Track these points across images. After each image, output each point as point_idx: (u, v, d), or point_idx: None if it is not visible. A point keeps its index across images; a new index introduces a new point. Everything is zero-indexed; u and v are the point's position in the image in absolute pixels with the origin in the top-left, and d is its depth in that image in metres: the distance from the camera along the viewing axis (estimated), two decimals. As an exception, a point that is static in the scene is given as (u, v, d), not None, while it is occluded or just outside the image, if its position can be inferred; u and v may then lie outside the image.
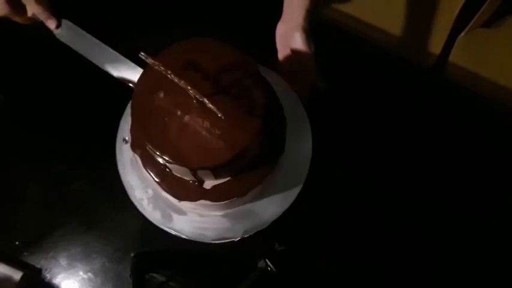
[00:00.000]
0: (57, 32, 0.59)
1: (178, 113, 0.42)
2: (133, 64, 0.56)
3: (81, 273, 0.66)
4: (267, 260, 0.62)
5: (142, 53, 0.36)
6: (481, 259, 0.65)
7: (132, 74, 0.56)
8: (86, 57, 0.57)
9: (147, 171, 0.49)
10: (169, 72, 0.38)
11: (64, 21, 0.59)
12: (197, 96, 0.39)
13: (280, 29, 0.61)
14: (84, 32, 0.59)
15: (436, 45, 0.76)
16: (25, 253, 0.67)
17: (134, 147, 0.50)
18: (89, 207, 0.69)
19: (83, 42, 0.58)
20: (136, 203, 0.53)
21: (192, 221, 0.52)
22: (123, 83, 0.56)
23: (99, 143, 0.57)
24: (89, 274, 0.66)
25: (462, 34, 0.73)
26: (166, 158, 0.41)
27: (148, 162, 0.49)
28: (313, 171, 0.52)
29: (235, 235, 0.52)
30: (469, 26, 0.71)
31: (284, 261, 0.63)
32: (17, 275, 0.64)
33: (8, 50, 0.75)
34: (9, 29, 0.62)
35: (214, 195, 0.48)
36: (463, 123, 0.72)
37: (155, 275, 0.63)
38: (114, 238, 0.67)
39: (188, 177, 0.46)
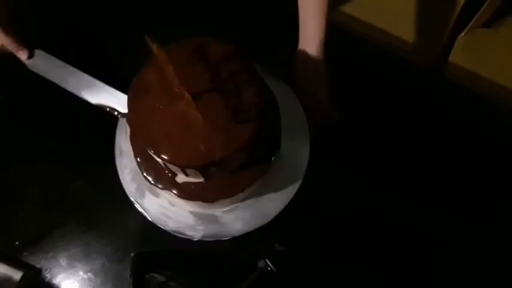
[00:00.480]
0: (29, 63, 0.56)
1: (172, 104, 0.42)
2: (111, 89, 0.53)
3: (81, 273, 0.66)
4: (267, 260, 0.62)
5: (147, 36, 0.36)
6: (481, 259, 0.65)
7: (111, 99, 0.53)
8: (61, 86, 0.54)
9: (132, 145, 0.49)
10: (162, 55, 0.38)
11: (37, 51, 0.56)
12: (186, 96, 0.39)
13: (297, 55, 0.61)
14: (58, 61, 0.55)
15: (436, 45, 0.76)
16: (25, 253, 0.67)
17: (128, 120, 0.50)
18: (89, 207, 0.69)
19: (57, 71, 0.55)
20: (118, 169, 0.53)
21: (161, 205, 0.52)
22: (102, 109, 0.53)
23: (99, 143, 0.57)
24: (89, 274, 0.66)
25: (462, 34, 0.73)
26: (140, 140, 0.42)
27: (135, 139, 0.49)
28: (312, 171, 0.52)
29: (194, 235, 0.51)
30: (469, 26, 0.71)
31: (284, 261, 0.63)
32: (17, 275, 0.64)
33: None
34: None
35: (182, 191, 0.48)
36: (463, 123, 0.72)
37: (155, 275, 0.62)
38: (114, 238, 0.67)
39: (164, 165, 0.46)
